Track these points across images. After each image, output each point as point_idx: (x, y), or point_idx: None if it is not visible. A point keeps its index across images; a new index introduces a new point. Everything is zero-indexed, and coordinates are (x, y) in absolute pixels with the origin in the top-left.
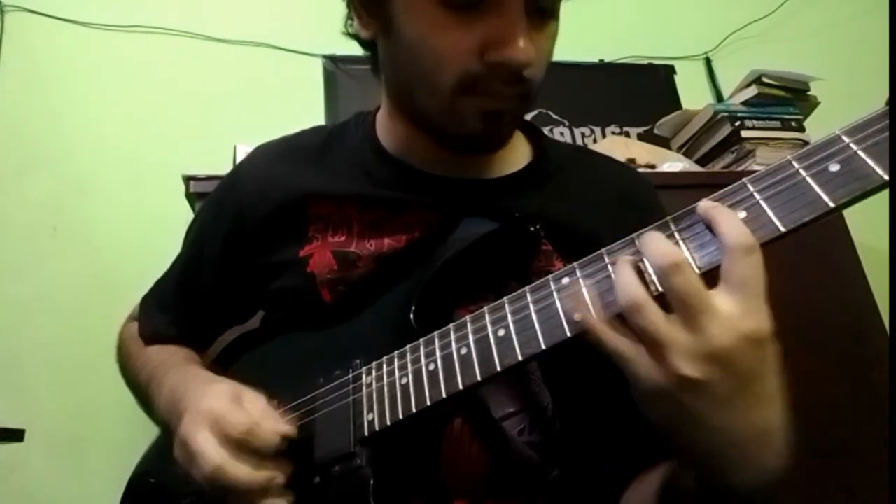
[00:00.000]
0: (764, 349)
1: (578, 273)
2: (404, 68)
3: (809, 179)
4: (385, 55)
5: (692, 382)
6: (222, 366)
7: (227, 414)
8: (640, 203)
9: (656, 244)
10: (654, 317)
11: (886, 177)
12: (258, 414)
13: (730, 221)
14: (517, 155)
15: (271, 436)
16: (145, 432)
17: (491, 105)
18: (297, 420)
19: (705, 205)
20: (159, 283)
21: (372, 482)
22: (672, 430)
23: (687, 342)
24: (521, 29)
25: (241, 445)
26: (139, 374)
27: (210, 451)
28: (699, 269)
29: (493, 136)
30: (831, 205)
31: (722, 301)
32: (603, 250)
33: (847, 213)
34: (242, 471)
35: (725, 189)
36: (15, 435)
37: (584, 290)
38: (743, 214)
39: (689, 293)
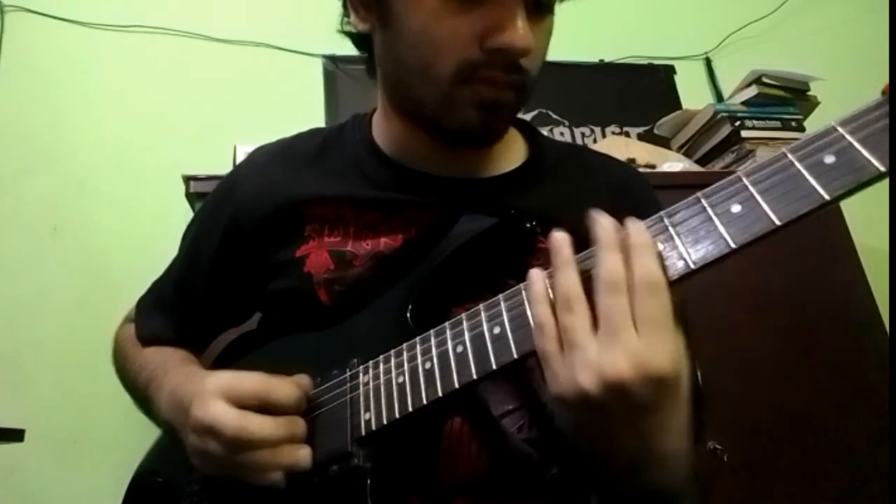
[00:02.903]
0: (661, 387)
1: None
2: (402, 59)
3: (805, 172)
4: (382, 48)
5: (590, 398)
6: (221, 367)
7: (238, 381)
8: (635, 199)
9: (605, 256)
10: (579, 320)
11: (882, 168)
12: (268, 378)
13: (642, 258)
14: (513, 153)
15: (289, 388)
16: (145, 432)
17: (488, 94)
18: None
19: (635, 231)
20: (156, 285)
21: (369, 482)
22: (572, 433)
23: (595, 357)
24: (521, 15)
25: (260, 400)
26: (137, 377)
27: (227, 416)
28: (694, 263)
29: (488, 129)
30: (827, 197)
31: (631, 335)
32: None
33: (847, 213)
34: (265, 424)
35: (720, 182)
36: (15, 435)
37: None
38: (738, 208)
39: (615, 314)
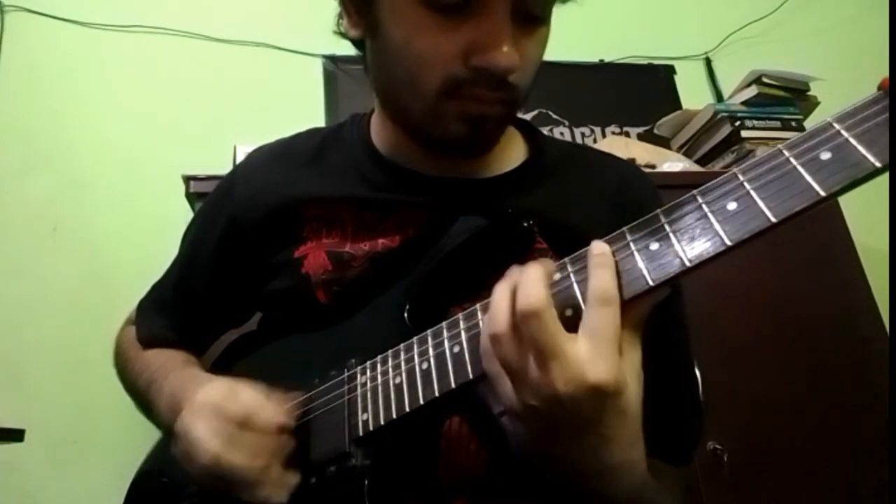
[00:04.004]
0: (606, 399)
1: (569, 268)
2: (389, 70)
3: (800, 168)
4: (372, 56)
5: (538, 413)
6: (221, 368)
7: (227, 399)
8: (636, 199)
9: (526, 284)
10: (509, 350)
11: (878, 164)
12: (258, 399)
13: (599, 274)
14: (512, 153)
15: (274, 413)
16: (145, 432)
17: (475, 109)
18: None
19: (596, 250)
20: (156, 287)
21: (367, 482)
22: (522, 443)
23: (534, 380)
24: (506, 34)
25: (244, 426)
26: (138, 379)
27: (207, 440)
28: (690, 261)
29: (477, 141)
30: (822, 193)
31: (573, 347)
32: (592, 244)
33: (847, 212)
34: (239, 457)
35: (716, 180)
36: (15, 435)
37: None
38: (734, 206)
39: (542, 340)
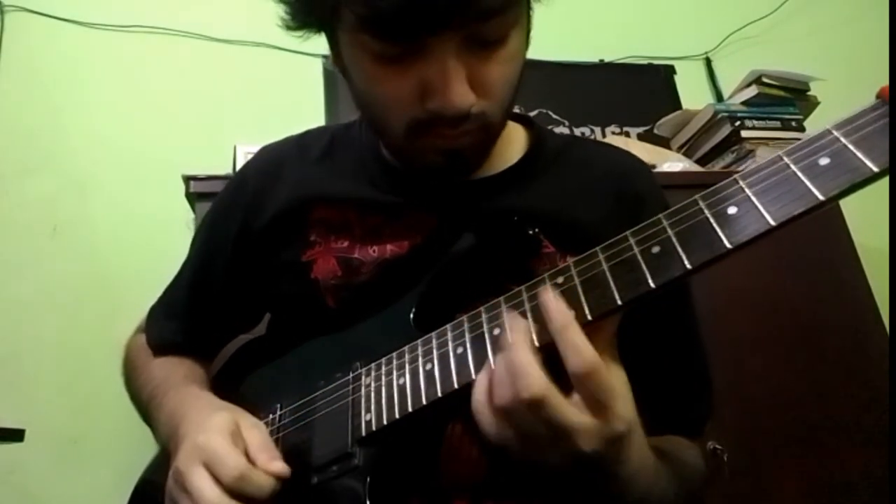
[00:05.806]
0: (624, 438)
1: (573, 270)
2: (362, 110)
3: (800, 174)
4: (350, 92)
5: (565, 469)
6: (229, 371)
7: (222, 455)
8: (637, 190)
9: (522, 373)
10: (528, 427)
11: (875, 168)
12: (255, 447)
13: (570, 351)
14: (513, 146)
15: (264, 480)
16: (145, 432)
17: (446, 144)
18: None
19: (557, 326)
20: (167, 291)
21: (369, 481)
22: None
23: (558, 450)
24: (453, 74)
25: (239, 483)
26: (141, 392)
27: (207, 490)
28: (691, 264)
29: (457, 168)
30: (821, 198)
31: (588, 420)
32: (597, 248)
33: (847, 213)
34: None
35: (717, 186)
36: (15, 435)
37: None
38: (734, 210)
39: (556, 421)
